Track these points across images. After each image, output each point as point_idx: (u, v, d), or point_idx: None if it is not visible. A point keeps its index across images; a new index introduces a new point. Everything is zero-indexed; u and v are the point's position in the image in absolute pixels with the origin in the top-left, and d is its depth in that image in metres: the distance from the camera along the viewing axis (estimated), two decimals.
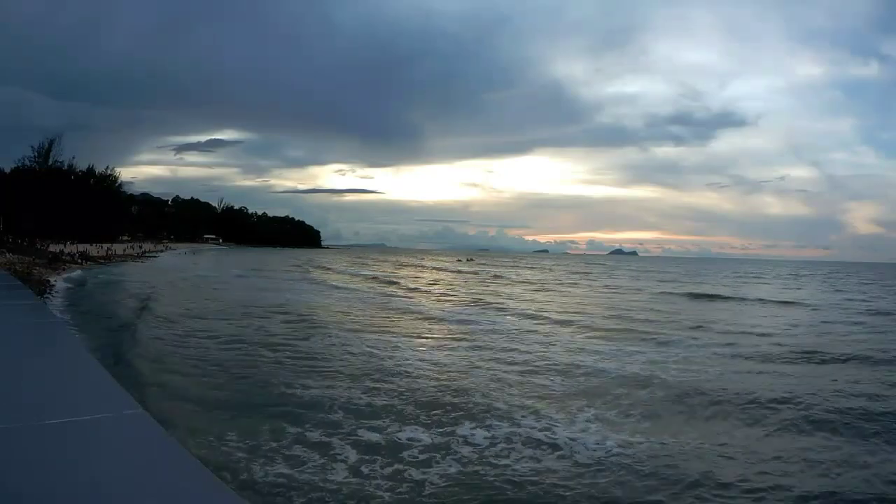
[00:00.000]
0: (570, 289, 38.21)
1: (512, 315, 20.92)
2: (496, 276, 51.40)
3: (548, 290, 35.79)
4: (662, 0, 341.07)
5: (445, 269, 65.97)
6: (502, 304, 25.29)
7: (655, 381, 10.29)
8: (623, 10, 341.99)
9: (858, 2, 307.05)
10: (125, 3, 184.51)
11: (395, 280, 41.29)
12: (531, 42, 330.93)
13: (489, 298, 27.93)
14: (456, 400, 8.73)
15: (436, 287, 36.79)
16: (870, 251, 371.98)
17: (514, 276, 52.48)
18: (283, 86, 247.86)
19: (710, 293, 34.47)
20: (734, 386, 9.96)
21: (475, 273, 58.68)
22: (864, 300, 33.24)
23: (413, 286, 36.04)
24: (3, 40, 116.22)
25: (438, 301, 27.06)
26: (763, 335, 16.85)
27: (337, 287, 33.28)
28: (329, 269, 58.10)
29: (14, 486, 2.37)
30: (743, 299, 30.93)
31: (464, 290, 33.94)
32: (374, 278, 42.90)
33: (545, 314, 21.05)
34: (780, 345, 14.90)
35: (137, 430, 3.11)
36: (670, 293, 34.68)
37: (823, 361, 12.75)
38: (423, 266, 73.48)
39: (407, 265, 75.51)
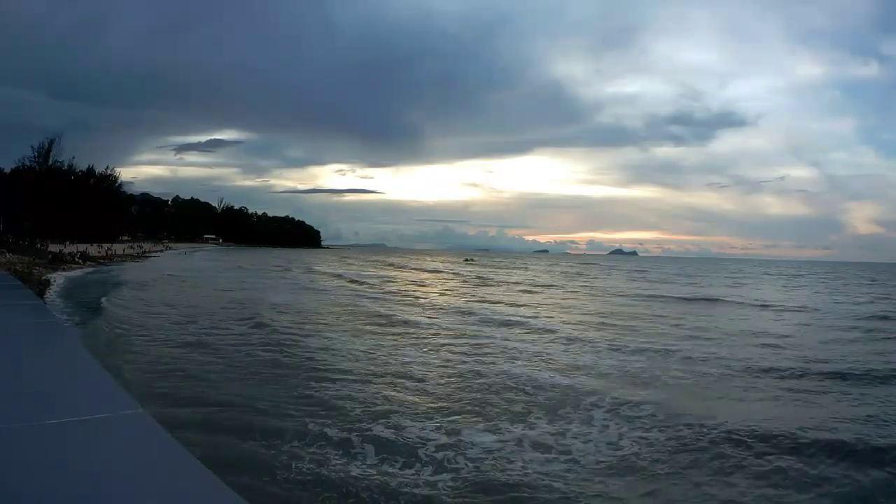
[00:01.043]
0: (557, 291, 36.87)
1: (479, 321, 19.46)
2: (481, 278, 50.30)
3: (531, 293, 34.63)
4: (662, 0, 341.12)
5: (437, 271, 64.02)
6: (477, 307, 24.12)
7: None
8: (623, 10, 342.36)
9: (858, 2, 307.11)
10: (125, 4, 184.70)
11: (365, 281, 40.62)
12: (531, 42, 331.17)
13: (463, 302, 27.07)
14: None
15: (409, 289, 35.53)
16: (870, 251, 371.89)
17: (505, 278, 51.55)
18: (283, 86, 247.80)
19: (703, 296, 33.63)
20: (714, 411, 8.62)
21: (457, 274, 56.51)
22: (863, 302, 32.99)
23: (388, 288, 34.99)
24: (3, 40, 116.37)
25: (403, 302, 26.04)
26: (753, 346, 15.37)
27: (311, 288, 32.82)
28: (312, 270, 56.21)
29: (14, 486, 2.37)
30: (740, 303, 29.82)
31: (439, 294, 32.86)
32: (352, 280, 41.90)
33: (520, 320, 19.80)
34: (775, 356, 13.69)
35: (137, 430, 3.12)
36: (662, 296, 33.57)
37: (819, 377, 11.39)
38: (411, 268, 70.82)
39: (396, 266, 73.95)
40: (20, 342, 6.06)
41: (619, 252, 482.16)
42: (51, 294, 21.24)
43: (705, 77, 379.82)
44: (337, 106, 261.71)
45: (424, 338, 15.33)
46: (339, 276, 46.50)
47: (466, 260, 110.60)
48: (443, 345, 14.25)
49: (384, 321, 18.45)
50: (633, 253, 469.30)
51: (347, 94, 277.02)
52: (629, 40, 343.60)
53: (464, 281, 46.21)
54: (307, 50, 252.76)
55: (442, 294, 31.74)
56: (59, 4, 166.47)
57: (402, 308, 23.09)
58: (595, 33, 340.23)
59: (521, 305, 26.10)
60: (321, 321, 18.02)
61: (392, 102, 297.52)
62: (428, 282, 44.19)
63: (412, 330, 16.75)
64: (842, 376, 11.46)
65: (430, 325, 18.06)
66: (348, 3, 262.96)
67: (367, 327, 17.08)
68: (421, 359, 12.44)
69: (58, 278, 28.35)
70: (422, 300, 27.47)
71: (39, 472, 2.51)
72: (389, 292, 31.31)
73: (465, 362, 12.06)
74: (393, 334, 15.85)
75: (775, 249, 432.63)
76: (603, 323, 19.79)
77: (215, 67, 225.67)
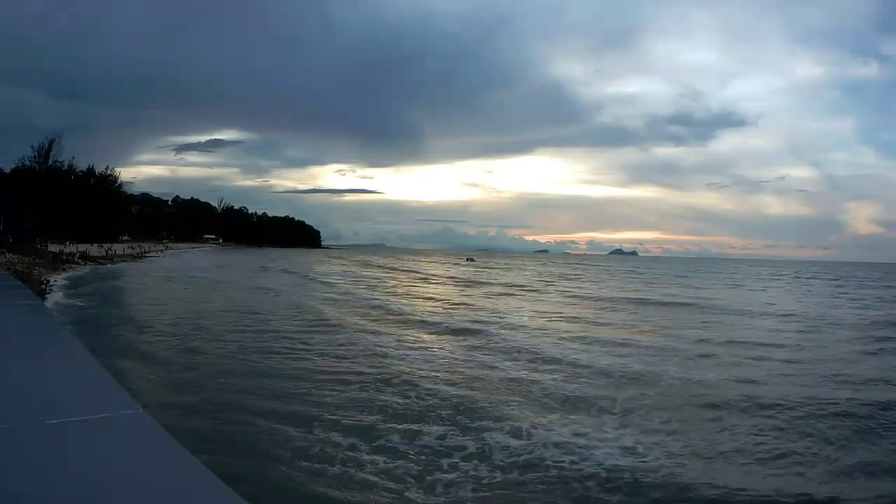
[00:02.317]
0: (539, 294, 35.70)
1: (420, 329, 18.58)
2: (464, 279, 49.23)
3: (510, 296, 34.10)
4: (662, 0, 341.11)
5: (428, 272, 62.09)
6: (430, 312, 23.29)
7: None
8: (623, 10, 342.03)
9: (858, 2, 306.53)
10: (125, 4, 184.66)
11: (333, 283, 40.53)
12: (531, 42, 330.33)
13: (420, 304, 26.41)
14: None
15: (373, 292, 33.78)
16: (870, 251, 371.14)
17: (492, 279, 50.86)
18: (283, 86, 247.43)
19: (699, 299, 32.73)
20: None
21: (449, 277, 54.45)
22: (868, 306, 32.45)
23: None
24: (3, 40, 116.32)
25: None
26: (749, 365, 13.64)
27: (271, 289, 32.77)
28: (291, 271, 54.07)
29: (14, 486, 2.37)
30: (740, 309, 27.98)
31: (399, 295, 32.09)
32: (325, 281, 41.86)
33: (472, 326, 19.11)
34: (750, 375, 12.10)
35: (137, 429, 3.12)
36: (653, 300, 32.18)
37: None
38: (402, 269, 68.34)
39: (384, 267, 72.65)
40: (20, 342, 6.06)
41: (619, 252, 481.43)
42: (55, 295, 21.51)
43: (705, 77, 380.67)
44: (337, 106, 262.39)
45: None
46: (313, 277, 46.60)
47: (468, 259, 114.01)
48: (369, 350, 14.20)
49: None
50: (633, 253, 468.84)
51: (347, 94, 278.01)
52: (629, 40, 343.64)
53: (451, 283, 45.49)
54: (307, 50, 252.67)
55: (419, 299, 30.87)
56: (59, 4, 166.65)
57: (341, 311, 22.86)
58: (595, 33, 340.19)
59: (486, 309, 25.57)
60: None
61: (392, 102, 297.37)
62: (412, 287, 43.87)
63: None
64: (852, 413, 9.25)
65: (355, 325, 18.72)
66: (348, 3, 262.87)
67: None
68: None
69: (58, 279, 28.54)
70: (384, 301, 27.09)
71: (39, 472, 2.50)
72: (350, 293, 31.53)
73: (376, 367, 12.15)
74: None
75: (775, 249, 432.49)
76: (574, 332, 18.43)
77: (215, 67, 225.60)
